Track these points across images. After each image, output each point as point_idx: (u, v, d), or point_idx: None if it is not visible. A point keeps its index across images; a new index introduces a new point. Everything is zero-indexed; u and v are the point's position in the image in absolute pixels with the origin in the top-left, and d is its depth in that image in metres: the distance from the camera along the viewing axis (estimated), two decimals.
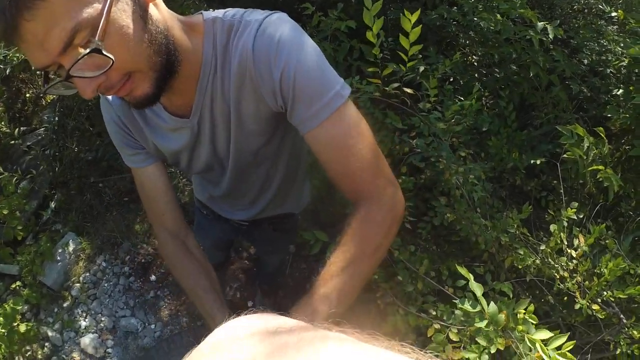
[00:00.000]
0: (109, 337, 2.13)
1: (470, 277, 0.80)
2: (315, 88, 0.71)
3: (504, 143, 1.60)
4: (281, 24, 0.71)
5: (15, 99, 2.69)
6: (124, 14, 0.61)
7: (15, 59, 1.84)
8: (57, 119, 2.18)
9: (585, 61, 1.94)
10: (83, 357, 2.07)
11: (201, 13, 0.76)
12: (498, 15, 1.72)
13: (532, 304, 0.80)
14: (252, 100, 0.76)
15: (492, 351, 0.76)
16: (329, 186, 1.51)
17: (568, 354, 0.73)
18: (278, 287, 2.22)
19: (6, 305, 1.84)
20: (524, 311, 0.80)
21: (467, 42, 2.08)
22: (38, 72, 1.89)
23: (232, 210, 1.18)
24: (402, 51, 1.14)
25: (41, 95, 2.58)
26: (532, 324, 0.79)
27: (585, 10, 2.15)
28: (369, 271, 0.76)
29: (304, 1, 1.48)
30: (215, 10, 0.77)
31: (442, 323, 0.92)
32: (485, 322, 0.77)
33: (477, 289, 0.79)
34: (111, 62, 0.59)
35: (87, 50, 0.57)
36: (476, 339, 0.78)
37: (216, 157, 0.90)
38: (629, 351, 1.12)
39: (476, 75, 1.91)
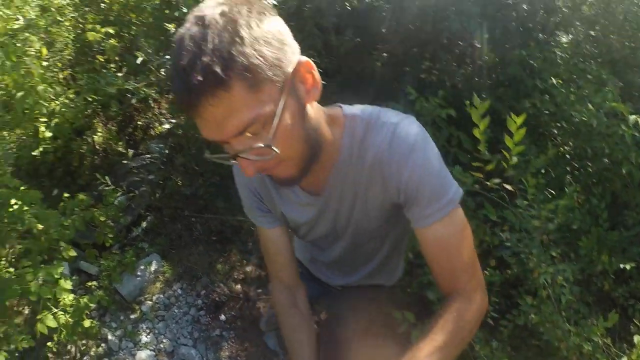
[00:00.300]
0: (165, 359, 2.17)
1: None
2: (434, 192, 0.82)
3: (595, 243, 1.56)
4: (413, 129, 0.82)
5: (128, 124, 3.01)
6: (289, 114, 0.70)
7: (142, 92, 2.08)
8: (167, 151, 2.41)
9: None
10: None
11: (340, 106, 0.88)
12: (590, 106, 1.72)
13: None
14: (379, 190, 0.87)
15: None
16: (410, 265, 1.55)
17: None
18: (341, 358, 2.20)
19: (81, 299, 1.95)
20: None
21: (559, 132, 2.08)
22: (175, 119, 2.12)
23: (331, 275, 1.26)
24: (505, 149, 1.20)
25: (160, 123, 2.79)
26: None
27: None
28: (458, 350, 0.82)
29: (407, 85, 1.59)
30: (353, 106, 0.89)
31: None
32: None
33: None
34: (274, 154, 0.70)
35: (262, 145, 0.68)
36: None
37: (334, 231, 1.00)
38: None
39: (568, 168, 1.90)
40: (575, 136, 1.96)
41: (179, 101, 0.66)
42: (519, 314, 1.25)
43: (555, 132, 2.10)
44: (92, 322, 2.00)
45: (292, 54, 0.70)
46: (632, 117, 1.60)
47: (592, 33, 2.26)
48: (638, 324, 1.29)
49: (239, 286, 2.46)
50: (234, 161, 0.73)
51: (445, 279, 0.86)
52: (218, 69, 0.61)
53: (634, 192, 1.81)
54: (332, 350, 2.10)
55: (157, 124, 2.88)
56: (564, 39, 2.24)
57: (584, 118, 1.72)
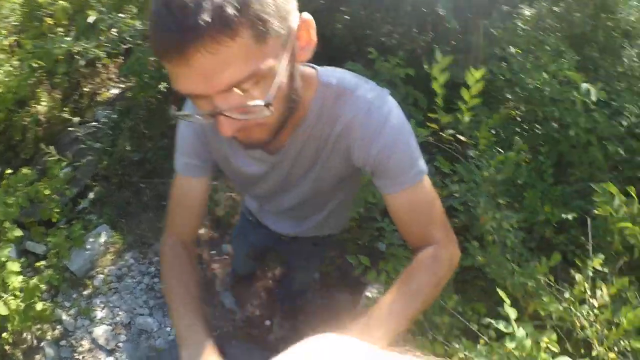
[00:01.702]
0: (123, 332, 2.13)
1: (508, 301, 0.84)
2: (404, 166, 0.82)
3: (539, 197, 1.64)
4: (387, 107, 0.81)
5: (74, 91, 2.85)
6: (285, 72, 0.64)
7: (91, 53, 1.96)
8: (115, 116, 2.31)
9: (625, 122, 1.98)
10: (93, 346, 2.07)
11: (315, 68, 0.82)
12: (545, 74, 1.80)
13: (555, 334, 0.84)
14: (342, 158, 0.86)
15: None
16: (362, 219, 1.57)
17: None
18: (299, 310, 2.22)
19: (30, 281, 1.86)
20: (547, 341, 0.83)
21: (512, 97, 2.15)
22: (136, 72, 1.97)
23: (280, 224, 1.24)
24: (459, 98, 1.23)
25: (108, 89, 2.71)
26: (556, 352, 0.82)
27: (629, 73, 2.20)
28: (424, 303, 0.81)
29: (369, 46, 1.59)
30: (330, 71, 0.83)
31: (466, 354, 0.95)
32: (514, 344, 0.81)
33: (511, 313, 0.83)
34: (269, 114, 0.62)
35: (262, 103, 0.61)
36: None
37: (282, 188, 0.97)
38: None
39: (518, 129, 1.97)
40: (528, 101, 2.03)
41: (164, 44, 0.56)
42: (466, 257, 1.29)
43: (509, 97, 2.17)
44: (44, 304, 1.93)
45: (296, 8, 0.65)
46: (584, 85, 1.68)
47: (556, 9, 2.33)
48: (579, 264, 1.36)
49: None
50: (206, 119, 0.66)
51: (416, 239, 0.87)
52: (231, 11, 0.53)
53: (579, 153, 1.91)
54: (290, 304, 2.14)
55: (104, 90, 2.74)
56: (527, 12, 2.30)
57: (537, 85, 1.78)
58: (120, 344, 2.11)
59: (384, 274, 1.19)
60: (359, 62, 1.73)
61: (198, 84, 0.58)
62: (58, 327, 2.09)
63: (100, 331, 2.11)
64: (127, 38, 1.99)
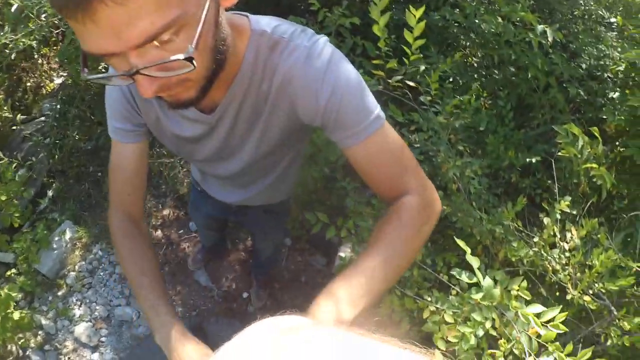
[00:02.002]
0: (103, 326, 2.13)
1: (468, 250, 0.82)
2: (358, 115, 0.74)
3: (501, 141, 1.63)
4: (327, 52, 0.73)
5: (16, 88, 2.69)
6: (209, 20, 0.57)
7: (20, 44, 1.83)
8: (59, 106, 2.18)
9: (584, 65, 1.98)
10: (77, 345, 2.07)
11: (247, 16, 0.75)
12: (499, 18, 1.76)
13: (525, 281, 0.83)
14: (285, 115, 0.79)
15: (487, 326, 0.78)
16: (326, 179, 1.54)
17: (560, 325, 0.75)
18: (273, 278, 2.23)
19: (1, 292, 1.83)
20: (517, 288, 0.82)
21: (468, 43, 2.12)
22: (71, 56, 1.85)
23: (225, 192, 1.18)
24: (406, 46, 1.17)
25: (51, 80, 2.58)
26: (525, 300, 0.81)
27: (586, 16, 2.19)
28: (412, 250, 0.77)
29: None
30: (263, 19, 0.76)
31: (437, 306, 0.94)
32: (481, 294, 0.79)
33: (474, 262, 0.81)
34: (192, 68, 0.55)
35: (182, 57, 0.54)
36: (472, 315, 0.80)
37: (224, 151, 0.90)
38: (619, 342, 1.14)
39: (475, 76, 1.94)
40: (484, 46, 1.99)
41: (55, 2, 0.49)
42: None
43: (465, 43, 2.14)
44: (22, 313, 1.91)
45: None
46: (540, 27, 1.64)
47: None
48: (546, 207, 1.36)
49: (159, 232, 2.38)
50: (119, 79, 0.59)
51: (388, 191, 0.80)
52: None
53: (539, 95, 1.90)
54: (263, 274, 2.14)
55: (47, 82, 2.60)
56: None
57: (492, 29, 1.74)
58: (103, 339, 2.11)
59: (344, 231, 1.16)
60: (301, 16, 1.65)
61: (108, 41, 0.51)
62: (40, 332, 2.09)
63: (81, 329, 2.10)
64: (55, 22, 1.85)
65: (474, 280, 0.84)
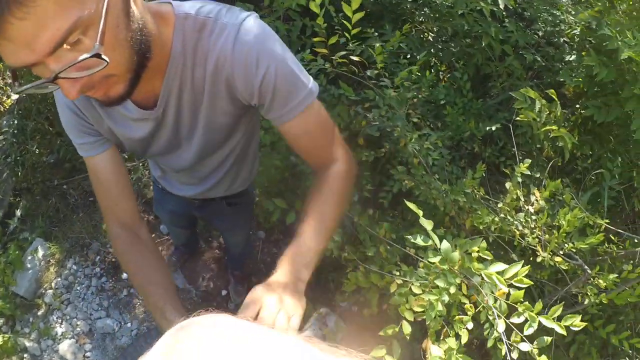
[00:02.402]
0: (87, 341, 2.10)
1: (420, 212, 0.82)
2: (292, 90, 0.77)
3: (461, 113, 1.63)
4: (258, 29, 0.74)
5: None
6: (114, 13, 0.58)
7: None
8: (16, 122, 2.13)
9: (540, 33, 1.99)
10: None
11: (170, 3, 0.75)
12: None
13: (484, 241, 0.83)
14: (225, 97, 0.79)
15: (452, 291, 0.78)
16: (292, 166, 1.52)
17: (524, 279, 0.76)
18: (250, 272, 2.22)
19: None
20: (477, 249, 0.82)
21: (422, 19, 2.11)
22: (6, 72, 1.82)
23: (182, 186, 1.17)
24: (347, 20, 1.16)
25: (8, 95, 2.53)
26: (488, 260, 0.81)
27: None
28: (340, 213, 0.86)
29: None
30: (187, 4, 0.76)
31: (404, 279, 0.94)
32: (439, 257, 0.80)
33: (427, 224, 0.81)
34: (105, 64, 0.57)
35: (87, 56, 0.55)
36: (435, 281, 0.80)
37: (176, 143, 0.90)
38: (597, 301, 1.15)
39: (432, 50, 1.94)
40: (437, 19, 1.99)
41: None
42: (394, 183, 1.28)
43: (419, 19, 2.13)
44: (3, 337, 1.90)
45: None
46: None
47: None
48: (508, 173, 1.37)
49: None
50: (51, 86, 0.59)
51: (316, 158, 0.88)
52: None
53: (495, 64, 1.91)
54: (238, 269, 2.12)
55: (4, 98, 2.53)
56: None
57: (444, 1, 1.74)
58: (88, 354, 2.08)
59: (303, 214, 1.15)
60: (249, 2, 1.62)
61: (24, 54, 0.54)
62: (25, 355, 2.06)
63: (65, 346, 2.08)
64: None
65: (430, 243, 0.84)
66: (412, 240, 0.82)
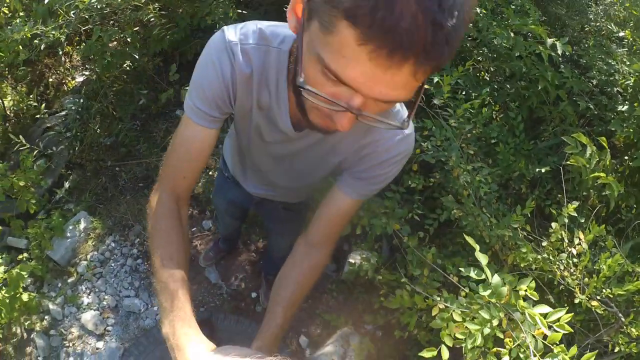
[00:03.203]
0: (110, 316, 2.15)
1: (477, 247, 0.85)
2: (378, 180, 0.92)
3: (512, 153, 1.66)
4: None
5: (38, 83, 2.76)
6: None
7: (50, 36, 1.88)
8: (82, 101, 2.24)
9: (594, 81, 2.01)
10: (82, 332, 2.08)
11: None
12: (511, 32, 1.80)
13: (533, 281, 0.85)
14: (340, 158, 0.90)
15: (494, 324, 0.81)
16: None
17: (565, 325, 0.78)
18: None
19: (12, 271, 1.84)
20: (525, 288, 0.85)
21: (480, 58, 2.16)
22: (97, 53, 1.88)
23: (249, 182, 1.22)
24: None
25: (73, 77, 2.64)
26: (533, 300, 0.84)
27: (596, 32, 2.22)
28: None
29: None
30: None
31: (446, 305, 0.97)
32: (489, 291, 0.82)
33: (483, 258, 0.84)
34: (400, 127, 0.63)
35: (398, 124, 0.62)
36: (479, 311, 0.83)
37: (290, 157, 0.95)
38: (627, 350, 1.15)
39: (487, 89, 1.98)
40: (495, 59, 2.04)
41: (389, 44, 0.48)
42: (442, 212, 1.31)
43: (477, 57, 2.18)
44: (30, 295, 1.91)
45: None
46: (550, 40, 1.68)
47: None
48: (554, 213, 1.38)
49: None
50: (328, 104, 0.59)
51: (324, 239, 0.98)
52: (467, 18, 0.50)
53: (549, 108, 1.94)
54: (273, 273, 2.16)
55: (69, 79, 2.67)
56: None
57: (504, 42, 1.78)
58: (109, 328, 2.12)
59: (359, 228, 1.20)
60: None
61: (378, 87, 0.53)
62: (46, 317, 2.09)
63: (88, 317, 2.11)
64: (86, 17, 1.91)
65: (482, 277, 0.87)
66: (466, 273, 0.85)
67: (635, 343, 1.13)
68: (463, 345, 0.94)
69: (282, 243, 1.73)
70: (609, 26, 2.14)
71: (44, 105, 2.45)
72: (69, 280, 2.22)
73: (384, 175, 0.86)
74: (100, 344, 2.06)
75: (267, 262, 2.21)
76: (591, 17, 2.33)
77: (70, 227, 2.30)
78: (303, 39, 0.58)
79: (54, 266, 2.24)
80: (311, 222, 0.98)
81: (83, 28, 2.05)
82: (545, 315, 0.91)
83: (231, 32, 0.77)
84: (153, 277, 0.85)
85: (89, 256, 2.30)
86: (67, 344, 2.05)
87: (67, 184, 2.45)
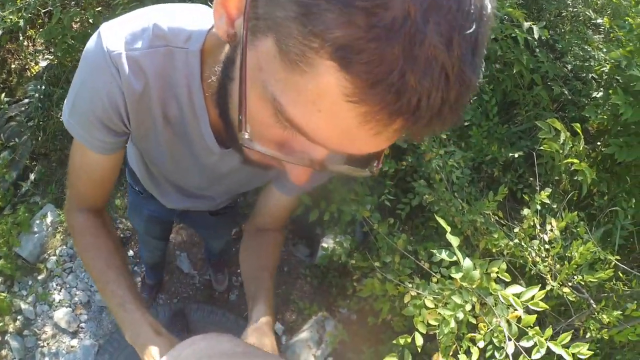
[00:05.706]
0: (83, 312, 2.11)
1: (448, 228, 0.84)
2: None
3: (485, 136, 1.65)
4: None
5: (0, 69, 2.64)
6: None
7: (8, 21, 1.79)
8: (43, 87, 2.15)
9: (569, 66, 2.02)
10: (56, 331, 2.05)
11: None
12: None
13: (504, 263, 0.84)
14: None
15: (467, 309, 0.80)
16: None
17: (540, 302, 0.77)
18: (228, 263, 2.23)
19: None
20: (497, 270, 0.84)
21: None
22: (58, 36, 1.78)
23: (171, 198, 1.02)
24: None
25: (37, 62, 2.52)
26: (505, 282, 0.83)
27: (574, 17, 2.22)
28: None
29: None
30: None
31: (418, 292, 0.96)
32: (461, 273, 0.81)
33: (454, 241, 0.83)
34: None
35: (369, 174, 0.49)
36: (451, 297, 0.81)
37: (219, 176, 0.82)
38: (598, 336, 1.16)
39: None
40: None
41: (397, 110, 0.34)
42: (414, 197, 1.30)
43: None
44: (1, 295, 1.90)
45: None
46: (527, 23, 1.66)
47: None
48: (527, 199, 1.38)
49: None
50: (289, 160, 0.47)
51: (276, 224, 0.96)
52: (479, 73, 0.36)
53: (523, 92, 1.93)
54: (214, 259, 2.12)
55: (32, 64, 2.55)
56: None
57: None
58: (83, 325, 2.09)
59: (327, 214, 1.17)
60: None
61: (357, 146, 0.41)
62: (19, 317, 2.06)
63: (60, 314, 2.08)
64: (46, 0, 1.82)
65: (454, 259, 0.86)
66: (439, 255, 0.83)
67: (606, 330, 1.14)
68: (437, 331, 0.93)
69: (218, 243, 1.69)
70: (586, 12, 2.14)
71: (3, 94, 2.34)
72: (39, 277, 2.17)
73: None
74: (74, 342, 2.03)
75: (208, 252, 2.18)
76: (569, 2, 2.33)
77: (37, 222, 2.23)
78: (246, 60, 0.40)
79: (23, 263, 2.19)
80: (254, 212, 0.96)
81: (43, 10, 1.96)
82: (518, 296, 0.91)
83: (111, 37, 0.58)
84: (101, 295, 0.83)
85: (57, 251, 2.24)
86: (42, 344, 2.02)
87: (32, 176, 2.37)
